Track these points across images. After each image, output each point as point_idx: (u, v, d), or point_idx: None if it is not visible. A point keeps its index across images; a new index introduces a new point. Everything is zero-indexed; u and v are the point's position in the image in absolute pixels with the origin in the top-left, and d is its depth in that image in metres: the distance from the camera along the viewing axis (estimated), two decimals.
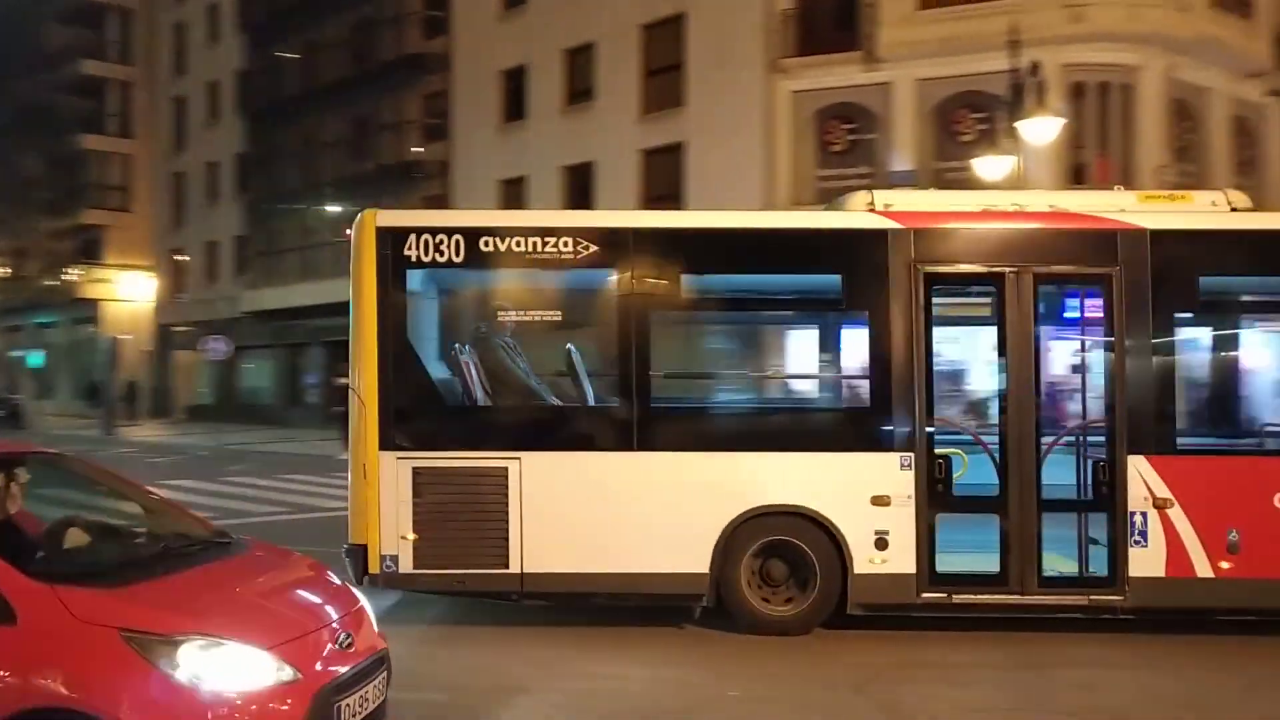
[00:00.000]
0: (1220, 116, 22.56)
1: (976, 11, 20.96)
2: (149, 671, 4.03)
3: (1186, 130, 22.22)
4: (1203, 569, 7.67)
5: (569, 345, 8.44)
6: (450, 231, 7.99)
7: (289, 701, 4.20)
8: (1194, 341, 8.63)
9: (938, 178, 21.91)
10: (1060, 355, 8.72)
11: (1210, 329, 8.75)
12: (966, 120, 21.95)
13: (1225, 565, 7.66)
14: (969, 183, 19.69)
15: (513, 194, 29.60)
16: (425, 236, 7.97)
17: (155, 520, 5.52)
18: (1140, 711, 6.48)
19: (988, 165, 16.99)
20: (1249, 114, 23.42)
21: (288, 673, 4.24)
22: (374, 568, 7.74)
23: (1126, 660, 7.44)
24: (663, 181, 25.75)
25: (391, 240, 7.96)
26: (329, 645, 4.55)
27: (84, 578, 4.36)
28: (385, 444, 7.82)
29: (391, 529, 7.72)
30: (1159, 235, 7.92)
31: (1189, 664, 7.31)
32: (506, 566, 7.75)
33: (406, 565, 7.74)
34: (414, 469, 7.79)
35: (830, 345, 9.08)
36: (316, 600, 5.01)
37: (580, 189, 27.69)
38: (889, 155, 22.40)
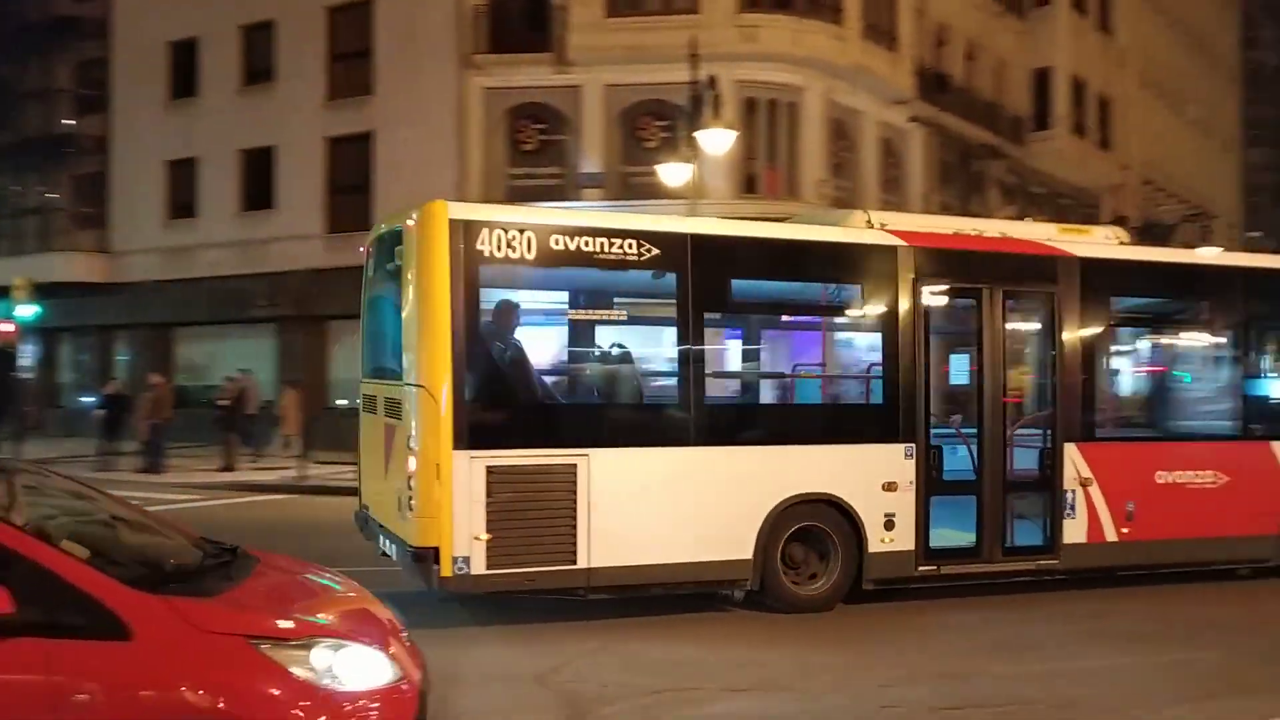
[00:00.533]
0: (871, 138, 24.95)
1: (660, 24, 21.91)
2: (285, 676, 3.94)
3: (843, 149, 24.39)
4: (1110, 534, 9.49)
5: (627, 344, 8.71)
6: (523, 228, 7.92)
7: (403, 699, 4.24)
8: (1107, 349, 10.22)
9: (624, 182, 22.70)
10: (1016, 359, 9.90)
11: (1117, 340, 10.52)
12: (651, 127, 22.85)
13: (1125, 530, 9.51)
14: (654, 189, 20.61)
15: (182, 176, 27.52)
16: (498, 231, 7.82)
17: (139, 534, 4.99)
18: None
19: (670, 172, 17.78)
20: (894, 137, 26.08)
21: (397, 672, 4.26)
22: (446, 571, 7.46)
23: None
24: (351, 171, 24.89)
25: (465, 233, 7.73)
26: (406, 646, 4.59)
27: (179, 588, 4.15)
28: (459, 443, 7.56)
29: (464, 530, 7.49)
30: (1085, 262, 9.66)
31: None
32: (574, 563, 7.80)
33: (479, 566, 7.54)
34: (488, 468, 7.61)
35: (850, 347, 9.99)
36: (375, 604, 4.94)
37: (259, 175, 26.20)
38: (579, 157, 22.91)
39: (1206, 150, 49.16)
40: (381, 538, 8.46)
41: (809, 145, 22.90)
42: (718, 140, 16.76)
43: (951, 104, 27.63)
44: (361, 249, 9.69)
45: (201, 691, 3.84)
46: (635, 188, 22.35)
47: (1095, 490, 9.43)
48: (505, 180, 23.37)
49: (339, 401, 23.39)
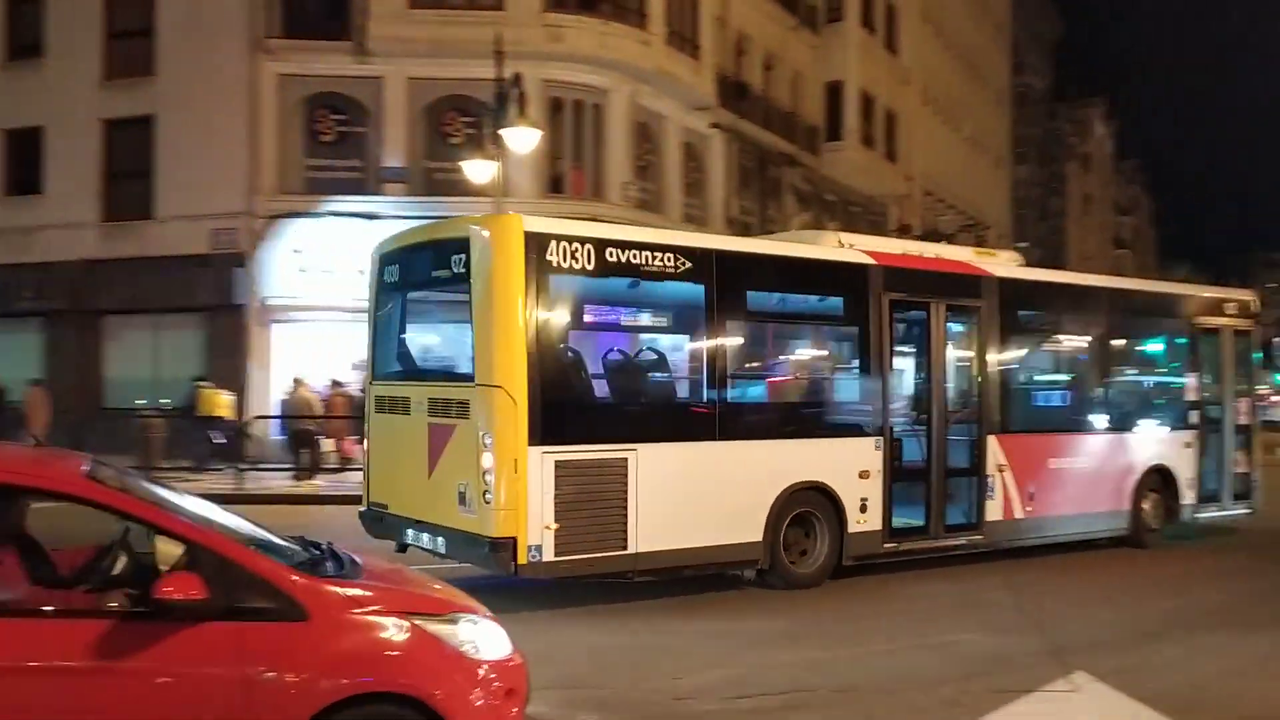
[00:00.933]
0: (674, 142, 25.48)
1: (465, 18, 21.63)
2: (442, 647, 4.34)
3: (647, 152, 24.81)
4: (1019, 512, 11.25)
5: (664, 348, 9.71)
6: (584, 240, 8.60)
7: (520, 669, 4.61)
8: (1017, 355, 11.95)
9: (428, 177, 22.28)
10: (953, 364, 11.32)
11: (1024, 347, 12.27)
12: (456, 123, 22.50)
13: (1029, 509, 11.31)
14: (458, 186, 20.32)
15: None
16: (563, 244, 8.47)
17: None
18: None
19: (475, 169, 17.58)
20: (697, 142, 26.73)
21: (512, 644, 4.66)
22: (522, 559, 7.96)
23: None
24: (130, 156, 23.31)
25: (537, 245, 8.30)
26: None
27: (328, 575, 4.45)
28: (534, 439, 8.09)
29: (537, 520, 8.01)
30: (1002, 280, 11.42)
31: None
32: (625, 548, 8.49)
33: (549, 554, 8.08)
34: (556, 461, 8.19)
35: (835, 351, 11.27)
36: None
37: (25, 156, 24.15)
38: (380, 151, 22.32)
39: (980, 165, 52.91)
40: (411, 532, 8.84)
41: (614, 147, 23.15)
42: (523, 139, 16.70)
43: (751, 112, 28.59)
44: (377, 255, 10.09)
45: (376, 665, 4.24)
46: (439, 184, 21.98)
47: (1009, 475, 11.16)
48: (302, 171, 22.50)
49: (129, 403, 21.79)
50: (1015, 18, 60.35)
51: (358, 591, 4.41)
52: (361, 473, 10.53)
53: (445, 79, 22.13)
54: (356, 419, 15.97)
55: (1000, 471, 11.05)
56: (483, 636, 4.54)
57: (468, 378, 8.42)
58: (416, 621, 4.37)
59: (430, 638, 4.36)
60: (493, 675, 4.43)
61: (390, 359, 10.04)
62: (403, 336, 10.07)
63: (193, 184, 22.10)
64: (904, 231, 35.66)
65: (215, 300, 22.15)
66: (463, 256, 8.53)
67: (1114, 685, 6.62)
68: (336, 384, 19.72)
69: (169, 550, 4.21)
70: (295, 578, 4.24)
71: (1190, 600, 9.72)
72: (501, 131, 16.78)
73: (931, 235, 32.71)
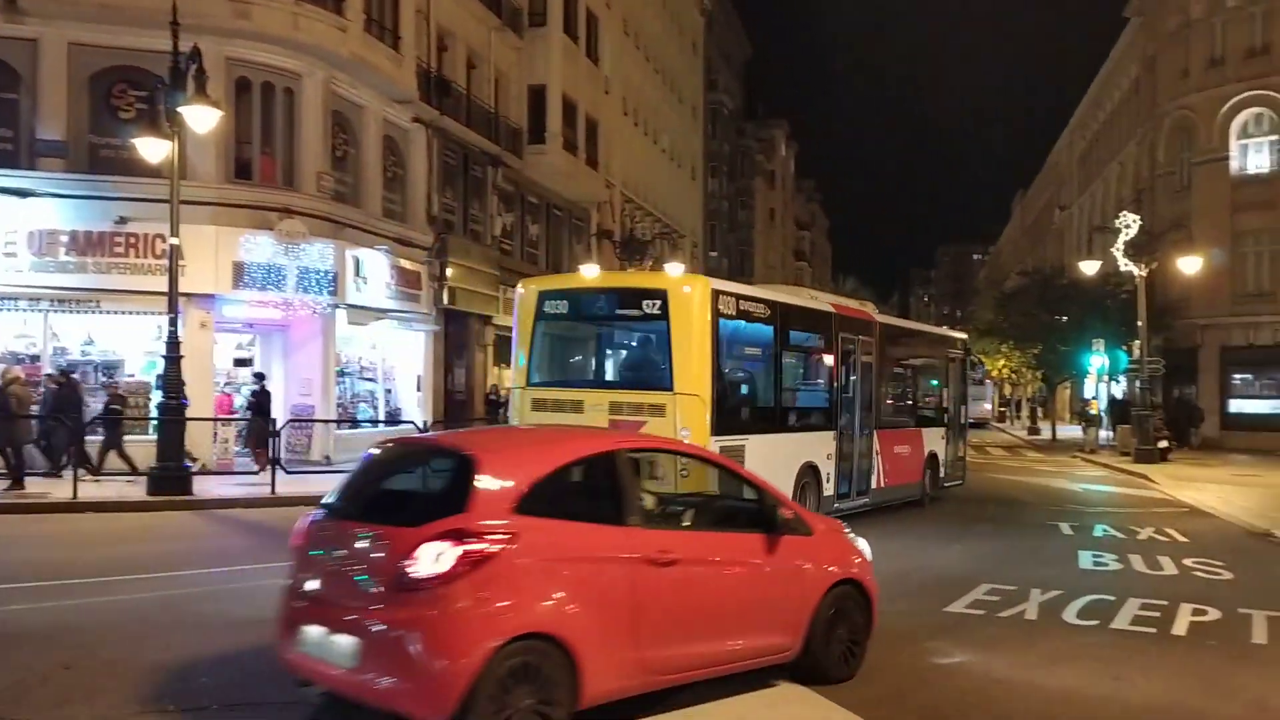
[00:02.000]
0: (374, 134, 24.67)
1: None
2: (861, 551, 7.40)
3: (344, 142, 23.88)
4: (883, 483, 16.76)
5: (757, 370, 14.24)
6: (732, 295, 13.17)
7: (872, 568, 7.51)
8: (883, 374, 17.25)
9: (93, 153, 20.26)
10: (863, 380, 16.36)
11: (885, 368, 17.43)
12: (127, 96, 20.60)
13: (886, 480, 16.86)
14: (130, 164, 18.63)
15: None
16: (726, 297, 12.95)
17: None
18: None
19: (148, 147, 16.14)
20: (398, 135, 26.05)
21: None
22: None
23: None
24: None
25: (716, 298, 12.63)
26: None
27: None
28: (713, 432, 12.09)
29: None
30: (881, 323, 17.60)
31: None
32: None
33: None
34: (720, 447, 11.80)
35: (817, 373, 15.97)
36: None
37: None
38: (35, 121, 20.02)
39: (676, 176, 55.36)
40: None
41: (308, 134, 22.07)
42: (202, 118, 15.56)
43: (454, 109, 28.25)
44: (534, 290, 13.79)
45: (845, 562, 7.18)
46: (106, 161, 20.06)
47: (880, 458, 16.61)
48: None
49: None
50: (709, 38, 63.65)
51: (823, 520, 7.75)
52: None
53: (115, 47, 20.16)
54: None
55: (878, 455, 16.51)
56: (862, 542, 7.50)
57: (664, 388, 12.25)
58: (848, 535, 7.50)
59: (856, 546, 7.41)
60: (869, 569, 7.37)
61: (553, 371, 13.73)
62: (574, 356, 14.36)
63: None
64: (605, 236, 36.67)
65: None
66: (659, 303, 12.49)
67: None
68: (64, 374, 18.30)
69: (748, 494, 7.16)
70: (804, 511, 7.43)
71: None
72: (180, 109, 15.55)
73: (631, 241, 33.82)
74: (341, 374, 23.96)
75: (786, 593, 6.65)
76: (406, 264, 25.29)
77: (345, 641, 5.28)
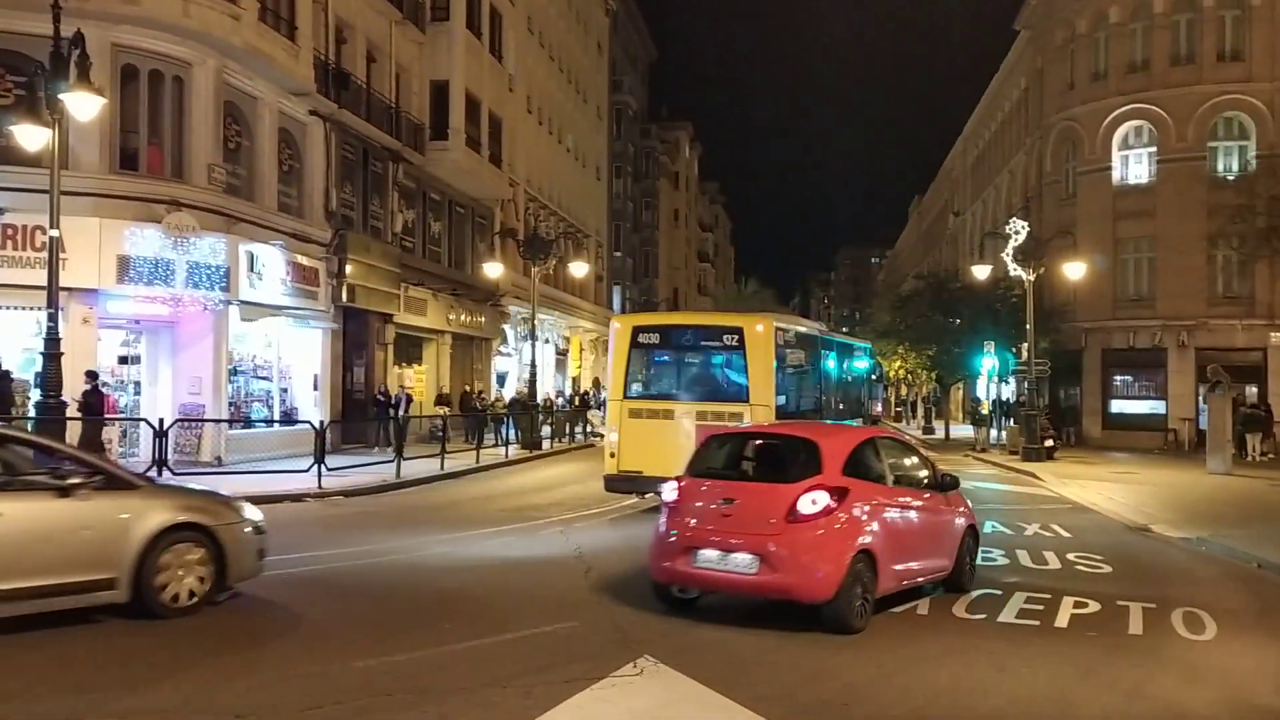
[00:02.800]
0: (269, 126, 24.01)
1: None
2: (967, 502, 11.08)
3: (238, 134, 23.18)
4: None
5: (790, 384, 17.85)
6: (781, 328, 17.15)
7: None
8: (847, 380, 21.91)
9: None
10: (823, 380, 20.02)
11: (849, 376, 22.39)
12: (5, 81, 19.67)
13: None
14: (8, 151, 17.77)
15: None
16: (780, 331, 16.86)
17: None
18: None
19: (27, 134, 15.36)
20: (294, 128, 25.40)
21: None
22: None
23: None
24: None
25: (776, 333, 16.45)
26: None
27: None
28: None
29: None
30: (839, 343, 22.16)
31: None
32: None
33: None
34: None
35: (822, 382, 19.97)
36: None
37: None
38: None
39: (581, 176, 55.29)
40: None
41: (198, 125, 21.35)
42: (84, 105, 14.89)
43: (353, 103, 27.69)
44: (627, 325, 17.53)
45: (968, 510, 10.84)
46: None
47: None
48: None
49: None
50: (614, 39, 63.76)
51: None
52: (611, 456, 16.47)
53: None
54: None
55: None
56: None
57: (742, 400, 15.87)
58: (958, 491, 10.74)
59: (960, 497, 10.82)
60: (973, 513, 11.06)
61: (645, 387, 17.02)
62: (663, 375, 17.47)
63: None
64: (508, 235, 36.37)
65: None
66: (736, 337, 16.24)
67: (677, 665, 7.13)
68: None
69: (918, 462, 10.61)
70: (950, 479, 10.58)
71: None
72: (61, 96, 14.86)
73: (535, 240, 33.62)
74: (234, 372, 23.27)
75: (951, 530, 10.21)
76: (303, 260, 24.69)
77: (744, 557, 8.35)
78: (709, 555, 8.46)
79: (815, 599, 8.17)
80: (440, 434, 24.29)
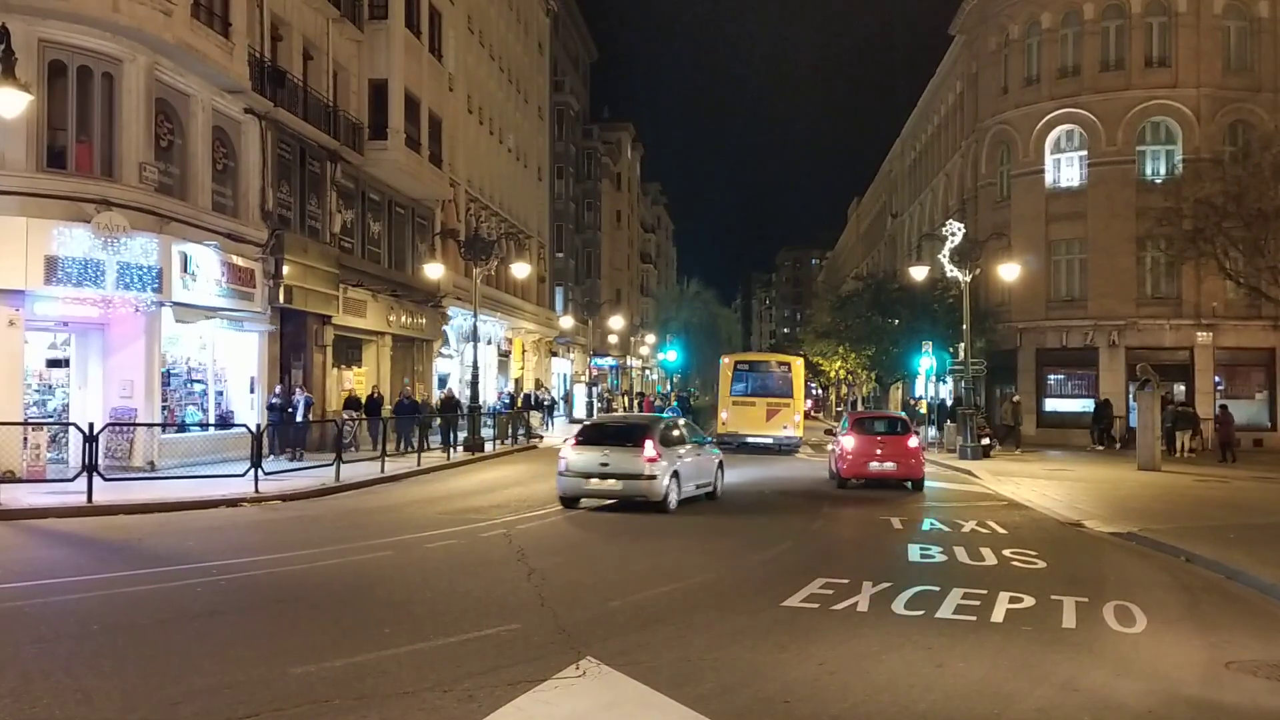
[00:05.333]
0: (203, 124, 23.50)
1: None
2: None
3: (170, 132, 22.66)
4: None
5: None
6: (800, 357, 43.77)
7: None
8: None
9: None
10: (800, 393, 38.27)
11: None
12: None
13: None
14: None
15: None
16: (805, 364, 44.14)
17: None
18: None
19: None
20: (228, 126, 24.89)
21: None
22: (800, 453, 34.21)
23: None
24: None
25: (804, 365, 42.96)
26: None
27: None
28: (800, 415, 36.63)
29: (802, 433, 36.49)
30: (791, 364, 37.83)
31: None
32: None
33: (806, 451, 35.35)
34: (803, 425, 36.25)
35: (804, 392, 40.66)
36: None
37: None
38: None
39: (523, 176, 55.01)
40: (752, 439, 33.53)
41: (129, 123, 20.82)
42: (10, 102, 14.41)
43: (289, 101, 27.26)
44: (730, 360, 37.54)
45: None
46: None
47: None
48: None
49: None
50: (555, 40, 63.59)
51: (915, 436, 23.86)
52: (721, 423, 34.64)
53: None
54: None
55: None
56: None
57: (789, 398, 34.63)
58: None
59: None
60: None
61: (740, 392, 34.93)
62: (752, 386, 35.15)
63: None
64: (449, 235, 36.08)
65: None
66: (787, 366, 36.31)
67: (620, 666, 7.11)
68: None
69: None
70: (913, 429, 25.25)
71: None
72: None
73: (476, 240, 33.36)
74: (168, 375, 22.77)
75: (917, 455, 21.83)
76: (239, 260, 24.23)
77: (891, 465, 21.44)
78: (876, 465, 21.58)
79: (920, 477, 21.75)
80: (350, 440, 23.87)
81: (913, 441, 21.97)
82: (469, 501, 18.08)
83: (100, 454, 19.64)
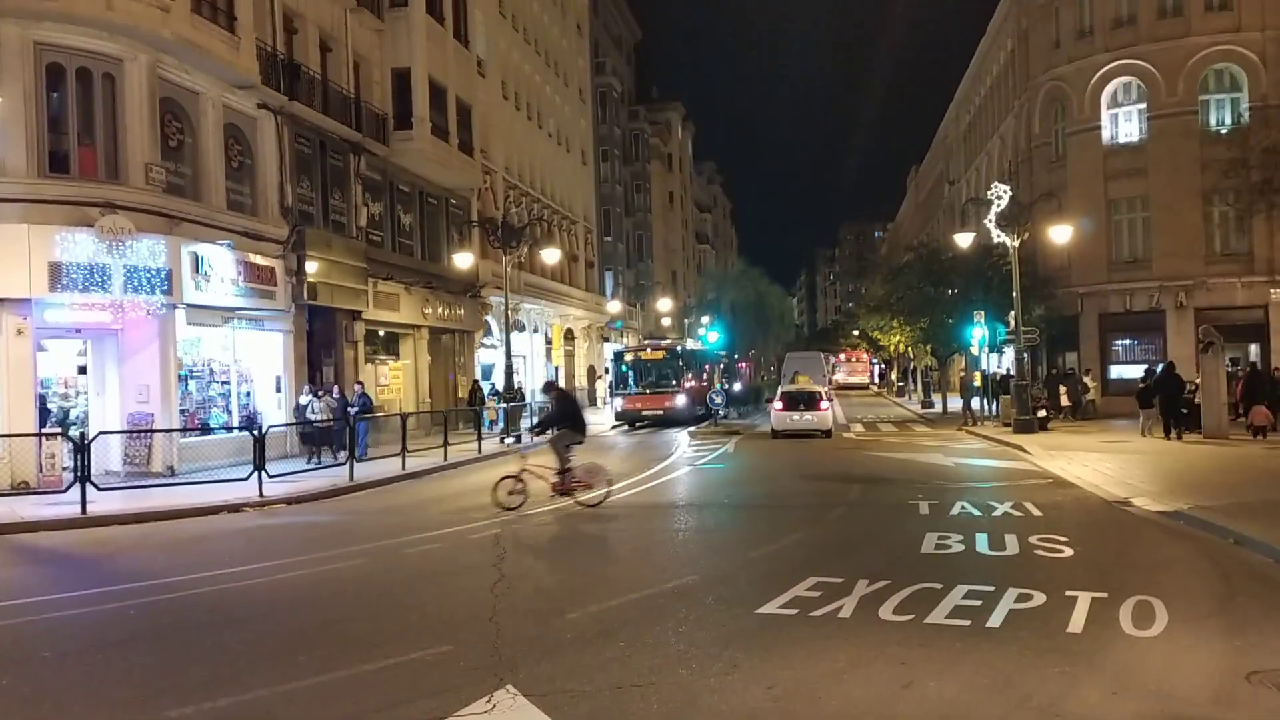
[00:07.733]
0: (213, 122, 23.19)
1: None
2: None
3: (179, 131, 22.38)
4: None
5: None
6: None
7: None
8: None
9: None
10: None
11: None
12: None
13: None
14: None
15: None
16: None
17: None
18: None
19: None
20: (242, 123, 24.58)
21: None
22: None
23: None
24: None
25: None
26: None
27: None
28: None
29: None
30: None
31: None
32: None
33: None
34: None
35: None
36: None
37: None
38: None
39: (566, 161, 54.26)
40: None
41: (132, 123, 20.56)
42: None
43: (306, 94, 26.86)
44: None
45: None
46: None
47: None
48: None
49: None
50: (594, 21, 62.62)
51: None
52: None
53: None
54: None
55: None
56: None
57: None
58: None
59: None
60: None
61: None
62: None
63: None
64: (486, 224, 35.47)
65: None
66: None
67: (538, 698, 6.32)
68: None
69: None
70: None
71: None
72: None
73: (504, 228, 32.72)
74: (189, 377, 22.56)
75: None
76: (258, 259, 23.93)
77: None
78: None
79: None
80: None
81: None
82: (478, 499, 17.30)
83: (118, 461, 19.52)
